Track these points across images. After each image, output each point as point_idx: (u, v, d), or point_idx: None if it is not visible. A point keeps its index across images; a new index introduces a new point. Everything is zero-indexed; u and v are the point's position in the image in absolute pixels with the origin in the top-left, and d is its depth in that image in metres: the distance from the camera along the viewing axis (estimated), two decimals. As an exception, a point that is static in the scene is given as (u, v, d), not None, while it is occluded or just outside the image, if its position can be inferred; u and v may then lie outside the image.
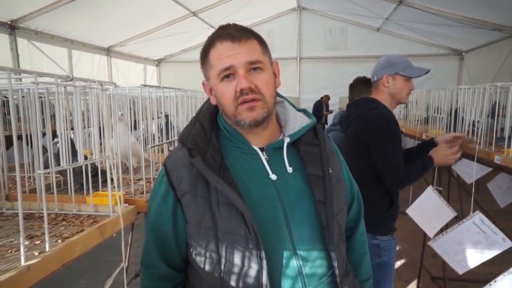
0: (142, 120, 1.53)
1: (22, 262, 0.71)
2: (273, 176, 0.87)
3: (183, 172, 0.86)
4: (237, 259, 0.82)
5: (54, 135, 1.24)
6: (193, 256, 0.88)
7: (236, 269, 0.83)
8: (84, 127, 1.30)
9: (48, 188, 1.24)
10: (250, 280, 0.82)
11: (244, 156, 0.90)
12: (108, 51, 6.98)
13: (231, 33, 0.84)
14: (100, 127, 1.06)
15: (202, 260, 0.86)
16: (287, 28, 8.79)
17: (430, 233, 2.22)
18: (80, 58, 6.21)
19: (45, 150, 1.36)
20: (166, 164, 0.92)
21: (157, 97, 1.63)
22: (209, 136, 0.90)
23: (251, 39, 0.86)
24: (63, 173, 1.29)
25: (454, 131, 2.33)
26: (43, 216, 1.09)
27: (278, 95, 0.99)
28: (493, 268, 2.06)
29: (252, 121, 0.84)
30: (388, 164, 1.57)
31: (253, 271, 0.81)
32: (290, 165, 0.90)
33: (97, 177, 1.19)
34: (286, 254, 0.83)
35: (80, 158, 0.93)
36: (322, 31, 8.77)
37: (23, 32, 4.98)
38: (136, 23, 6.42)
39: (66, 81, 0.80)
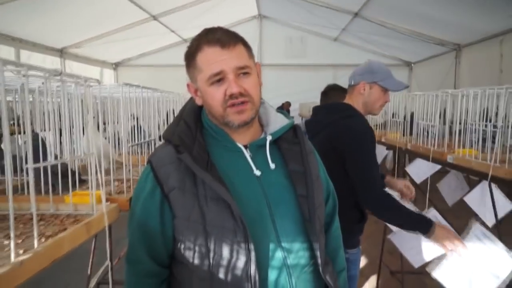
0: (113, 122, 1.50)
1: (13, 259, 0.68)
2: (257, 172, 0.91)
3: (171, 168, 0.88)
4: (225, 251, 0.84)
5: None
6: (182, 250, 0.89)
7: (224, 262, 0.85)
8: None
9: (16, 190, 1.18)
10: (239, 271, 0.85)
11: (229, 153, 0.93)
12: (61, 53, 6.65)
13: (220, 38, 0.87)
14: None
15: (191, 254, 0.87)
16: (248, 35, 8.69)
17: (393, 228, 2.35)
18: (29, 59, 5.85)
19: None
20: (151, 161, 0.92)
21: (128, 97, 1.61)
22: (194, 133, 0.92)
23: (238, 44, 0.89)
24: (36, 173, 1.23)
25: (411, 134, 2.50)
26: (16, 217, 1.05)
27: None
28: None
29: (242, 123, 0.88)
30: (366, 179, 1.46)
31: (241, 263, 0.84)
32: (272, 162, 0.94)
33: (70, 177, 1.14)
34: (271, 246, 0.87)
35: (67, 155, 0.91)
36: (283, 39, 9.04)
37: (-35, 29, 4.62)
38: (93, 24, 6.19)
39: (55, 75, 0.78)
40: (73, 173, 1.31)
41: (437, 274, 1.40)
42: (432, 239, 1.41)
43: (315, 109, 1.75)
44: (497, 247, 1.38)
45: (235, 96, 0.85)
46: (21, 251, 0.73)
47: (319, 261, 0.92)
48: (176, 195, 0.87)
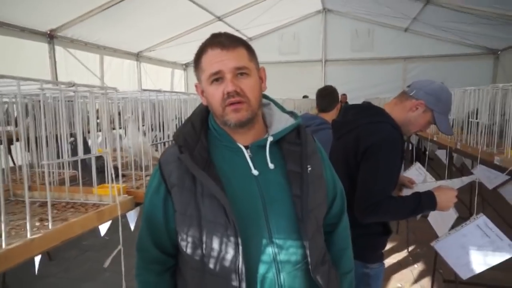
0: (142, 123, 1.66)
1: (28, 236, 0.86)
2: (255, 172, 0.96)
3: (173, 166, 0.97)
4: (216, 244, 0.92)
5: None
6: (180, 241, 0.99)
7: (215, 253, 0.92)
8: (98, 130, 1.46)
9: (63, 182, 1.42)
10: (227, 263, 0.91)
11: (229, 153, 0.99)
12: (137, 56, 7.34)
13: (221, 41, 0.94)
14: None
15: (186, 245, 0.96)
16: (312, 30, 8.83)
17: (439, 234, 2.18)
18: (111, 63, 6.59)
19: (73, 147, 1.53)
20: (160, 159, 1.03)
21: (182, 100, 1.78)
22: (198, 134, 1.00)
23: (239, 47, 0.95)
24: (77, 168, 1.47)
25: (464, 133, 2.29)
26: (55, 204, 1.28)
27: (265, 97, 1.08)
28: (503, 274, 2.00)
29: (237, 122, 0.93)
30: (365, 188, 1.37)
31: (229, 256, 0.90)
32: (272, 162, 0.98)
33: (104, 172, 1.34)
34: (263, 242, 0.92)
35: (81, 153, 1.08)
36: (348, 33, 8.74)
37: (60, 40, 5.39)
38: (164, 29, 6.72)
39: (69, 87, 0.95)
40: (115, 168, 1.51)
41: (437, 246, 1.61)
42: (440, 209, 1.40)
43: (345, 109, 1.65)
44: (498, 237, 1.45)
45: (232, 95, 0.91)
46: (41, 231, 0.91)
47: (309, 260, 0.94)
48: (176, 191, 0.96)
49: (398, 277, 3.22)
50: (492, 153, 1.79)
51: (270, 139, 0.99)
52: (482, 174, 2.92)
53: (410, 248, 3.70)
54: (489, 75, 8.06)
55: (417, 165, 2.57)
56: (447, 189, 1.43)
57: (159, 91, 1.35)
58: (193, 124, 1.02)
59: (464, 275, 1.83)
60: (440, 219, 2.21)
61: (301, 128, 1.04)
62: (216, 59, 0.92)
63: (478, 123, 2.03)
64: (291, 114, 1.07)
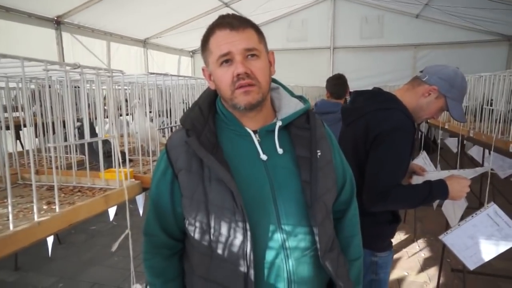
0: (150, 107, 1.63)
1: (35, 219, 0.86)
2: (264, 157, 0.94)
3: (180, 150, 0.95)
4: (224, 229, 0.90)
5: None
6: (187, 226, 0.98)
7: (223, 239, 0.91)
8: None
9: (71, 166, 1.42)
10: (235, 248, 0.90)
11: (237, 138, 0.97)
12: (144, 43, 7.29)
13: (230, 22, 0.91)
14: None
15: (194, 229, 0.95)
16: (321, 17, 8.66)
17: (452, 223, 2.16)
18: (118, 50, 6.54)
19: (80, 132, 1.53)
20: (167, 143, 1.01)
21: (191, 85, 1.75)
22: (206, 118, 0.97)
23: (248, 28, 0.92)
24: (84, 152, 1.46)
25: (479, 121, 2.23)
26: (62, 188, 1.28)
27: (274, 81, 1.05)
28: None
29: (247, 105, 0.91)
30: (373, 174, 1.35)
31: (238, 241, 0.89)
32: (280, 147, 0.96)
33: (112, 157, 1.33)
34: (271, 227, 0.90)
35: (87, 136, 1.07)
36: (358, 19, 8.57)
37: (67, 26, 5.37)
38: (170, 15, 6.63)
39: (74, 68, 0.93)
40: (122, 153, 1.50)
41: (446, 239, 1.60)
42: (451, 199, 1.39)
43: (354, 96, 1.60)
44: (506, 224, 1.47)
45: (242, 77, 0.88)
46: (49, 214, 0.91)
47: (318, 246, 0.93)
48: (183, 175, 0.94)
49: (405, 265, 3.22)
50: (507, 141, 1.74)
51: (279, 123, 0.98)
52: (495, 163, 2.88)
53: (417, 237, 3.69)
54: (503, 62, 7.85)
55: (423, 154, 2.54)
56: (460, 178, 1.41)
57: (166, 74, 1.33)
58: (201, 108, 1.00)
59: (471, 265, 1.82)
60: (452, 208, 2.18)
61: (310, 112, 1.02)
62: (225, 40, 0.89)
63: (492, 110, 1.98)
64: (300, 98, 1.05)
